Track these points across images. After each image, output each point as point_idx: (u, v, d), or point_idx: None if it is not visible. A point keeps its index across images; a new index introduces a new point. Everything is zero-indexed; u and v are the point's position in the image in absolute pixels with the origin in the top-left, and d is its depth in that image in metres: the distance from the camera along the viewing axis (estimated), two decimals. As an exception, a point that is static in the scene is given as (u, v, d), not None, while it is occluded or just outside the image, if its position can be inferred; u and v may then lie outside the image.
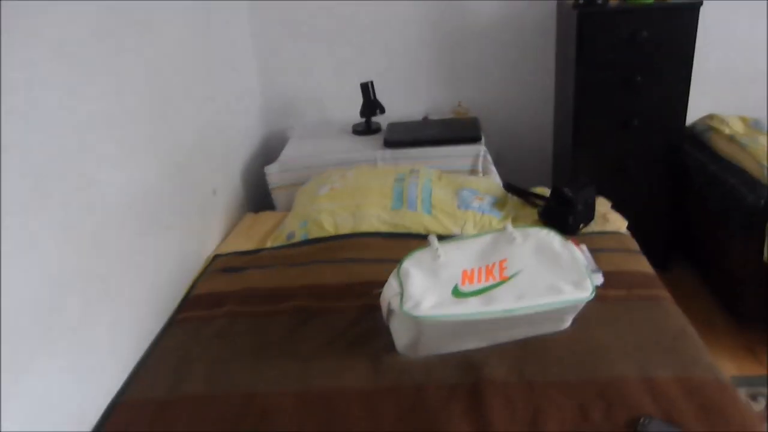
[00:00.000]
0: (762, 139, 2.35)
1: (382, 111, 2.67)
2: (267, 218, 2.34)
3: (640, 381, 1.29)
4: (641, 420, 1.18)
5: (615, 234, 1.97)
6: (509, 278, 1.38)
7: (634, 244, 1.92)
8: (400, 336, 1.40)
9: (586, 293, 1.36)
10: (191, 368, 1.45)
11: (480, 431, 1.18)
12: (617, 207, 2.15)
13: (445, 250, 1.45)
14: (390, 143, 2.51)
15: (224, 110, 2.40)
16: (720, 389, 1.28)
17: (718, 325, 2.39)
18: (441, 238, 1.50)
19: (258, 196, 2.65)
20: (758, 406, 1.98)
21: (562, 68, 2.65)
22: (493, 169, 2.45)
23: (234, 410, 1.31)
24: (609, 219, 2.05)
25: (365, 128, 2.71)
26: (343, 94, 2.85)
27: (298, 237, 2.05)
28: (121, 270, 1.54)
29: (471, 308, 1.32)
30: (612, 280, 1.66)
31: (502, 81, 2.87)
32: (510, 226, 1.50)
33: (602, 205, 2.14)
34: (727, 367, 1.40)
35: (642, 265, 1.79)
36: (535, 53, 2.81)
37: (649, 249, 1.90)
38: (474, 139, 2.47)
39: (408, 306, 1.32)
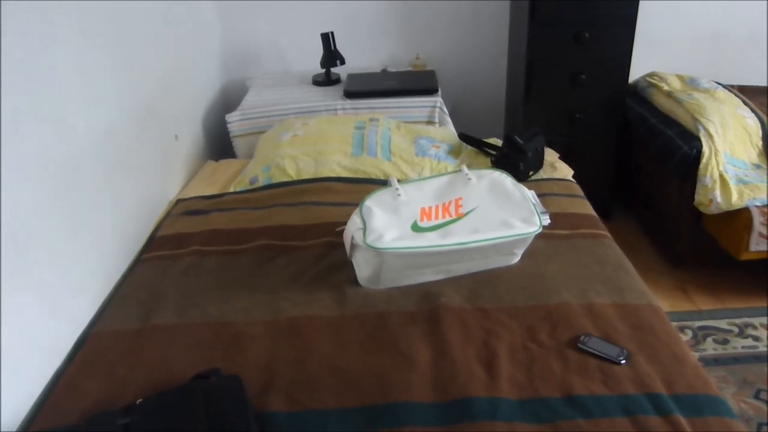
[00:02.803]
0: (697, 95, 2.51)
1: (342, 62, 2.71)
2: (228, 166, 2.38)
3: (582, 306, 1.42)
4: (581, 338, 1.31)
5: (562, 181, 2.09)
6: (464, 215, 1.49)
7: (578, 190, 2.05)
8: (363, 269, 1.49)
9: (534, 227, 1.48)
10: (161, 302, 1.50)
11: (437, 351, 1.29)
12: (564, 157, 2.28)
13: (404, 189, 1.53)
14: (350, 94, 2.57)
15: (185, 58, 2.41)
16: (652, 313, 1.42)
17: (653, 268, 2.58)
18: (400, 182, 1.58)
19: (219, 145, 2.68)
20: (685, 337, 2.17)
21: (516, 24, 2.74)
22: (449, 120, 2.54)
23: (206, 338, 1.37)
24: (557, 167, 2.18)
25: (325, 79, 2.76)
26: (304, 45, 2.88)
27: (261, 181, 2.10)
28: (87, 209, 1.57)
29: (429, 241, 1.42)
30: (558, 220, 1.78)
31: (458, 35, 2.96)
32: (465, 168, 1.60)
33: (550, 155, 2.26)
34: (661, 305, 1.54)
35: (585, 208, 1.92)
36: (490, 9, 2.91)
37: (592, 198, 2.02)
38: (431, 91, 2.55)
39: (371, 239, 1.41)
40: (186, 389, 1.16)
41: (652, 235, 2.77)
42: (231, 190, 2.13)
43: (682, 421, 1.11)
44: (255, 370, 1.25)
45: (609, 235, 1.76)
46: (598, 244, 1.70)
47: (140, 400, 1.16)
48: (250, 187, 2.10)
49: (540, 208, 1.81)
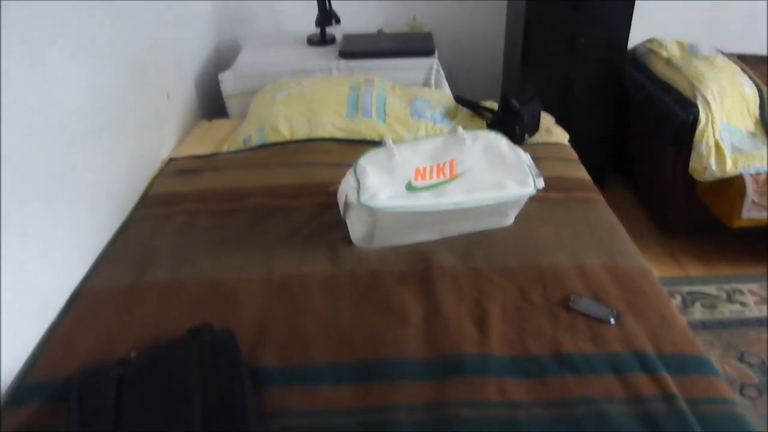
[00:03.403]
0: (696, 62, 2.49)
1: (338, 21, 2.67)
2: (221, 125, 2.36)
3: (573, 268, 1.43)
4: (571, 298, 1.32)
5: (557, 145, 2.09)
6: (459, 175, 1.49)
7: (573, 155, 2.05)
8: (356, 228, 1.49)
9: (528, 189, 1.48)
10: (154, 259, 1.50)
11: (429, 309, 1.31)
12: (561, 122, 2.27)
13: (399, 150, 1.53)
14: (345, 54, 2.53)
15: (177, 16, 2.36)
16: (642, 275, 1.43)
17: (645, 234, 2.59)
18: (394, 142, 1.57)
19: (211, 104, 2.65)
20: (674, 302, 2.19)
21: (514, -14, 2.71)
22: (445, 82, 2.52)
23: (200, 295, 1.38)
24: (552, 132, 2.17)
25: (320, 39, 2.72)
26: (298, 4, 2.83)
27: (255, 141, 2.09)
28: (78, 167, 1.56)
29: (423, 201, 1.42)
30: (552, 184, 1.77)
31: (456, -3, 2.92)
32: (461, 129, 1.59)
33: (547, 119, 2.25)
34: (652, 268, 1.57)
35: (580, 172, 1.92)
36: (489, -29, 2.86)
37: (587, 164, 2.02)
38: (427, 53, 2.53)
39: (365, 197, 1.41)
40: (179, 343, 1.17)
41: (645, 202, 2.78)
42: (224, 149, 2.11)
43: (668, 379, 1.13)
44: (248, 327, 1.26)
45: (602, 199, 1.77)
46: (592, 208, 1.70)
47: (134, 353, 1.17)
48: (243, 147, 2.09)
49: (535, 171, 1.81)
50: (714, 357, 1.97)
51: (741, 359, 1.98)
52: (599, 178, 2.70)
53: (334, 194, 1.56)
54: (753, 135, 2.38)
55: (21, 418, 1.08)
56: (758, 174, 2.20)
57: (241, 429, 0.98)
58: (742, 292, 2.28)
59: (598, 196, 1.77)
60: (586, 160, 2.04)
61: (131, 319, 1.31)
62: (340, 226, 1.56)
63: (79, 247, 1.54)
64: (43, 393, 1.14)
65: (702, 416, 1.06)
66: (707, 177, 2.27)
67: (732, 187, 2.22)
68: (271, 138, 2.08)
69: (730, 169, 2.21)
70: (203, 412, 1.01)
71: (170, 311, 1.33)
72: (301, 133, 2.07)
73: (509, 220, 1.58)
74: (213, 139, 2.23)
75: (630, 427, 1.04)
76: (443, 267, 1.42)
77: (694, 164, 2.29)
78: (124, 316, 1.33)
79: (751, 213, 2.22)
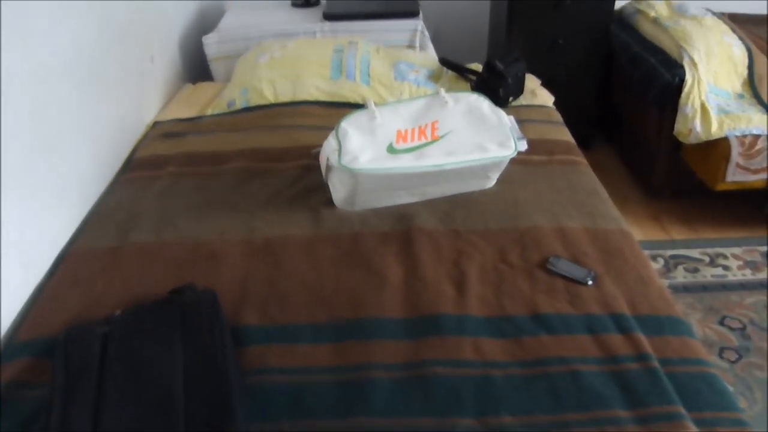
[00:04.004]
0: (683, 22, 2.47)
1: (322, -17, 2.64)
2: (205, 88, 2.34)
3: (553, 230, 1.45)
4: (550, 259, 1.34)
5: (542, 107, 2.09)
6: (440, 138, 1.49)
7: (558, 117, 2.05)
8: (338, 190, 1.50)
9: (509, 151, 1.49)
10: (138, 221, 1.51)
11: (409, 270, 1.32)
12: (546, 85, 2.26)
13: (381, 112, 1.52)
14: (329, 16, 2.51)
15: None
16: (621, 237, 1.45)
17: (630, 198, 2.61)
18: (377, 105, 1.57)
19: (196, 68, 2.62)
20: (657, 266, 2.22)
21: (502, -55, 2.66)
22: (430, 44, 2.50)
23: (183, 256, 1.39)
24: (537, 94, 2.17)
25: (304, 1, 2.69)
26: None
27: (239, 105, 2.08)
28: (60, 129, 1.55)
29: (404, 163, 1.43)
30: (535, 147, 1.78)
31: (442, -43, 2.87)
32: (443, 91, 1.58)
33: (532, 81, 2.24)
34: (634, 234, 1.56)
35: (564, 135, 1.92)
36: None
37: (573, 128, 2.01)
38: (412, 14, 2.51)
39: (346, 160, 1.41)
40: (162, 302, 1.19)
41: (630, 166, 2.79)
42: (208, 113, 2.10)
43: (643, 339, 1.15)
44: (229, 287, 1.27)
45: (585, 161, 1.77)
46: (574, 171, 1.71)
47: (118, 312, 1.18)
48: (227, 110, 2.08)
49: (517, 133, 1.81)
50: (694, 320, 2.00)
51: (721, 323, 2.00)
52: (585, 141, 2.71)
53: (317, 157, 1.56)
54: (740, 96, 2.38)
55: (11, 374, 1.10)
56: (744, 136, 2.20)
57: (222, 383, 1.00)
58: (725, 256, 2.30)
59: (581, 159, 1.78)
60: (572, 122, 2.04)
61: (115, 279, 1.33)
62: (323, 188, 1.56)
63: (65, 209, 1.55)
64: (31, 350, 1.16)
65: (675, 376, 1.08)
66: (692, 139, 2.27)
67: (717, 149, 2.23)
68: (255, 101, 2.07)
69: (715, 131, 2.22)
70: (185, 367, 1.03)
71: (154, 272, 1.35)
72: (285, 96, 2.06)
73: (491, 183, 1.59)
74: (197, 102, 2.22)
75: (603, 386, 1.06)
76: (424, 229, 1.44)
77: (679, 126, 2.30)
78: (109, 276, 1.34)
79: (735, 176, 2.24)
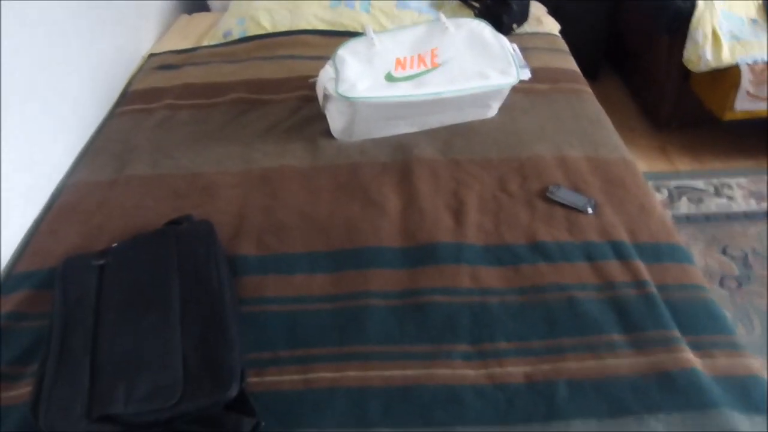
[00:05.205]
0: (698, -55, 2.36)
1: None
2: (202, 19, 2.28)
3: (555, 159, 1.42)
4: (549, 188, 1.32)
5: (547, 35, 2.03)
6: (440, 65, 1.45)
7: (563, 45, 1.99)
8: (336, 120, 1.47)
9: (510, 79, 1.45)
10: (134, 154, 1.50)
11: (407, 199, 1.31)
12: (553, 14, 2.19)
13: (379, 39, 1.48)
14: (328, -59, 2.41)
15: None
16: (624, 166, 1.43)
17: (636, 129, 2.56)
18: (376, 32, 1.52)
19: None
20: (661, 197, 2.20)
21: None
22: (434, -30, 2.40)
23: (179, 188, 1.39)
24: (542, 21, 2.10)
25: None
26: None
27: (236, 35, 2.03)
28: (60, 62, 1.53)
29: (403, 91, 1.39)
30: (539, 75, 1.74)
31: None
32: (443, 16, 1.54)
33: (537, 8, 2.17)
34: (639, 165, 1.54)
35: (569, 63, 1.87)
36: None
37: (581, 58, 1.96)
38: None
39: (343, 89, 1.38)
40: (159, 233, 1.19)
41: (638, 97, 2.72)
42: (205, 44, 2.06)
43: (641, 266, 1.15)
44: (226, 217, 1.27)
45: (590, 90, 1.73)
46: (578, 99, 1.67)
47: (115, 244, 1.19)
48: (224, 41, 2.03)
49: (521, 61, 1.77)
50: (696, 250, 1.99)
51: (723, 252, 2.00)
52: (592, 72, 2.65)
53: (314, 87, 1.53)
54: (754, 22, 2.29)
55: (11, 306, 1.12)
56: (756, 63, 2.13)
57: (218, 309, 1.00)
58: (730, 186, 2.27)
59: (585, 88, 1.74)
60: (579, 53, 1.98)
61: (112, 211, 1.33)
62: (321, 119, 1.54)
63: (63, 141, 1.54)
64: (31, 282, 1.17)
65: (672, 301, 1.08)
66: (702, 67, 2.20)
67: (726, 77, 2.16)
68: (252, 31, 2.02)
69: (726, 58, 2.15)
70: (181, 294, 1.03)
71: (150, 203, 1.35)
72: (283, 25, 2.01)
73: (492, 112, 1.56)
74: (193, 33, 2.17)
75: (599, 312, 1.06)
76: (423, 158, 1.42)
77: (688, 54, 2.22)
78: (106, 208, 1.34)
79: (744, 104, 2.18)
